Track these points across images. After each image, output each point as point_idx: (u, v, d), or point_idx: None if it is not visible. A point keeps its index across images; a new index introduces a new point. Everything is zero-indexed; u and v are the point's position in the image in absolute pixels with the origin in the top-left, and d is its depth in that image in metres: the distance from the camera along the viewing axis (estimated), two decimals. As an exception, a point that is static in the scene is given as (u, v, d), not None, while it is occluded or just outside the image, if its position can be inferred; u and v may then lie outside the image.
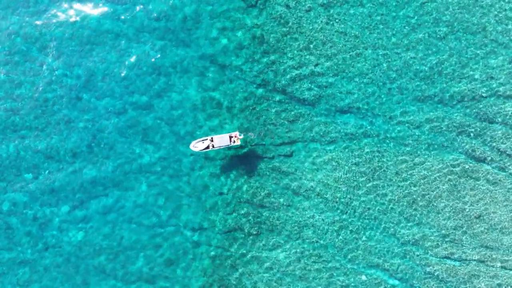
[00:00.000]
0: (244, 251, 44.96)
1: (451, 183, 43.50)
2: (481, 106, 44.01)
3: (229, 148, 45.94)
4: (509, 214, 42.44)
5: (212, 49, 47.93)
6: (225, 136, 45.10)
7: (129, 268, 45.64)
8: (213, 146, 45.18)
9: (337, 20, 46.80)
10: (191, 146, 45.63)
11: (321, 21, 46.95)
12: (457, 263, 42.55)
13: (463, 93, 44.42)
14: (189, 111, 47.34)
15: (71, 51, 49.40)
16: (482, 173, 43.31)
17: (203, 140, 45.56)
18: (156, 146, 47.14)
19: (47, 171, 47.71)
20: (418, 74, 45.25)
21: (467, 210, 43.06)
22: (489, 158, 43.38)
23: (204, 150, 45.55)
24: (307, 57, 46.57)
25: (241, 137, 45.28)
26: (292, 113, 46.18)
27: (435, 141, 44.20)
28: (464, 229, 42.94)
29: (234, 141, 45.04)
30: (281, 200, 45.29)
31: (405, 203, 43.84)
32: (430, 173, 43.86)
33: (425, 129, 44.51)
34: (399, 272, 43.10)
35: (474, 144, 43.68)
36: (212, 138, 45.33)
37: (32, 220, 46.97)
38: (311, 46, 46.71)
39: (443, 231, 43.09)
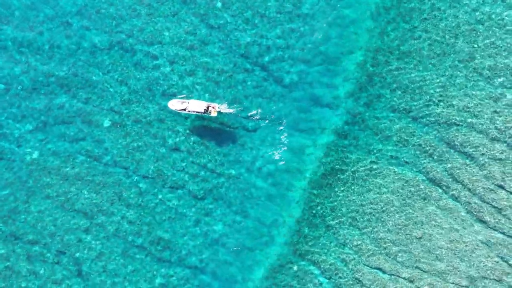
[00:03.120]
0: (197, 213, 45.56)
1: (403, 198, 43.63)
2: (451, 132, 43.98)
3: (202, 116, 46.05)
4: (449, 244, 42.57)
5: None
6: (202, 104, 45.02)
7: (73, 198, 46.11)
8: (188, 110, 45.33)
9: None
10: (169, 104, 45.74)
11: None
12: (386, 277, 42.77)
13: (438, 115, 44.37)
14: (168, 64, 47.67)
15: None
16: (434, 197, 43.38)
17: (182, 102, 45.67)
18: (129, 89, 47.41)
19: (20, 87, 48.02)
20: (401, 85, 45.22)
21: (410, 228, 43.23)
22: (445, 184, 43.44)
23: (179, 111, 45.63)
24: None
25: (219, 110, 45.28)
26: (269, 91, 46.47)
27: (398, 154, 44.28)
28: (402, 246, 43.12)
29: (210, 112, 44.98)
30: (232, 171, 45.67)
31: (354, 207, 44.03)
32: (385, 184, 44.00)
33: (392, 141, 44.57)
34: (329, 271, 43.39)
35: (435, 167, 43.73)
36: (189, 101, 45.44)
37: (-6, 129, 47.45)
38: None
39: (382, 243, 43.29)
